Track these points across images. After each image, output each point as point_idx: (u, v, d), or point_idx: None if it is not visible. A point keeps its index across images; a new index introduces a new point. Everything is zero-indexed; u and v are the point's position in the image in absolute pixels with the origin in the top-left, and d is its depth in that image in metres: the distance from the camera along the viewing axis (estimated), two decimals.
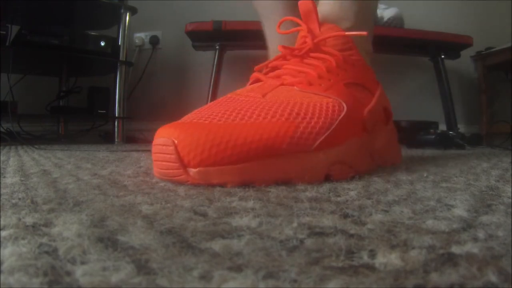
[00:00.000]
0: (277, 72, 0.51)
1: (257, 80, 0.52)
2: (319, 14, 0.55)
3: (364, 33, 0.52)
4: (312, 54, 0.52)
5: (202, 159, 0.36)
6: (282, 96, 0.45)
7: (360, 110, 0.50)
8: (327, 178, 0.41)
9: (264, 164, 0.38)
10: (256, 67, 0.54)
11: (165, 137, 0.38)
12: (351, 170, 0.44)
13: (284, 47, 0.53)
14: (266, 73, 0.52)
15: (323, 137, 0.41)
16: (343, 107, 0.45)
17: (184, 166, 0.37)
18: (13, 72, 1.66)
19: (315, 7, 0.54)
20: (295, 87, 0.47)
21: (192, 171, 0.37)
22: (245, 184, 0.37)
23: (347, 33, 0.53)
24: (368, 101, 0.53)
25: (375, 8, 0.64)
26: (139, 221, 0.23)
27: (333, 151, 0.42)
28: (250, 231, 0.21)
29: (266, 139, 0.38)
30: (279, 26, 0.55)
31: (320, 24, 0.54)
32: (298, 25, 0.55)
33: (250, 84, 0.52)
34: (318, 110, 0.43)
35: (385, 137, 0.58)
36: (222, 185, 0.37)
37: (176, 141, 0.37)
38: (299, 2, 0.54)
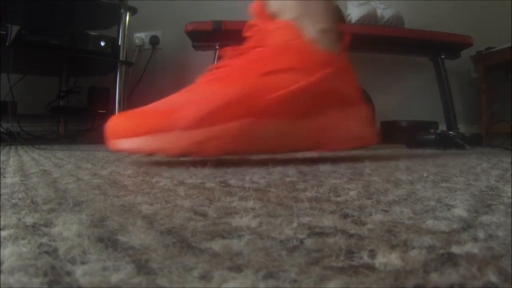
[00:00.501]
0: (213, 71, 0.61)
1: None
2: (270, 13, 0.63)
3: (292, 22, 0.61)
4: (252, 50, 0.60)
5: (125, 133, 0.53)
6: (195, 91, 0.57)
7: (265, 96, 0.56)
8: (188, 155, 0.53)
9: (148, 138, 0.51)
10: (208, 68, 0.63)
11: (111, 119, 0.56)
12: (227, 147, 0.54)
13: (230, 48, 0.62)
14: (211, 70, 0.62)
15: (191, 121, 0.52)
16: (225, 96, 0.54)
17: (116, 137, 0.54)
18: (13, 72, 1.66)
19: (262, 6, 0.62)
20: (211, 82, 0.58)
21: (121, 141, 0.53)
22: (140, 151, 0.53)
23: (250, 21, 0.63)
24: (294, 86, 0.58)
25: None
26: (139, 221, 0.23)
27: (206, 130, 0.52)
28: (250, 231, 0.21)
29: (154, 123, 0.52)
30: (247, 29, 0.64)
31: (271, 21, 0.62)
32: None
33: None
34: (199, 99, 0.54)
35: (332, 120, 0.61)
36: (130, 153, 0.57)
37: (115, 119, 0.56)
38: (250, 6, 0.63)
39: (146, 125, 0.52)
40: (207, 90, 0.56)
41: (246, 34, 0.63)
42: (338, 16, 1.68)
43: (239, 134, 0.53)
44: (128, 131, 0.52)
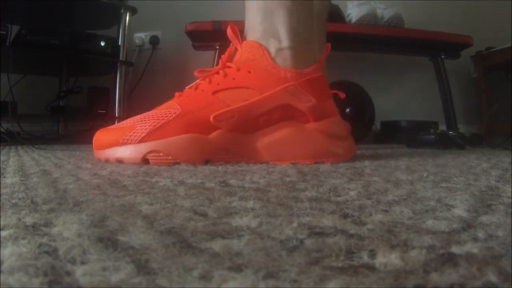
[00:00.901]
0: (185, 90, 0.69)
1: None
2: (245, 31, 0.70)
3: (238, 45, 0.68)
4: (218, 71, 0.67)
5: (100, 146, 0.64)
6: (158, 109, 0.65)
7: (212, 112, 0.62)
8: (145, 162, 0.60)
9: (114, 149, 0.62)
10: (187, 87, 0.69)
11: (94, 135, 0.66)
12: (167, 158, 0.60)
13: (201, 70, 0.69)
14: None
15: (144, 134, 0.61)
16: (175, 113, 0.62)
17: (94, 148, 0.66)
18: (13, 72, 1.66)
19: (235, 31, 0.69)
20: (172, 101, 0.66)
21: (98, 152, 0.65)
22: (109, 159, 0.63)
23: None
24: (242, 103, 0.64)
25: (295, 9, 0.69)
26: (139, 221, 0.23)
27: (152, 143, 0.60)
28: (250, 231, 0.21)
29: (115, 139, 0.62)
30: (228, 56, 0.69)
31: (242, 41, 0.69)
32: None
33: None
34: (153, 116, 0.63)
35: (288, 133, 0.65)
36: (106, 160, 0.63)
37: (96, 135, 0.66)
38: (227, 30, 0.69)
39: (112, 139, 0.63)
40: (162, 109, 0.64)
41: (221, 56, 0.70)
42: (339, 17, 1.68)
43: (184, 145, 0.61)
44: (102, 144, 0.64)
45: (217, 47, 1.72)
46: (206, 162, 0.61)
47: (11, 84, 1.53)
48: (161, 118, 0.62)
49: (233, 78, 0.65)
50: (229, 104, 0.63)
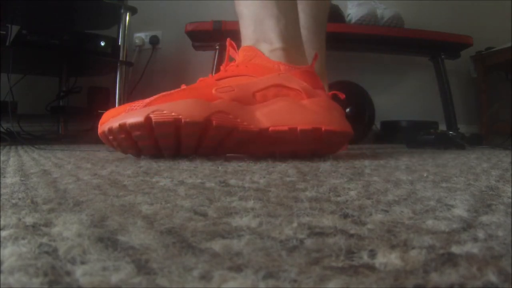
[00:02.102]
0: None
1: None
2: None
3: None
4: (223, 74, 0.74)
5: (105, 119, 0.67)
6: (162, 94, 0.68)
7: (212, 87, 0.68)
8: (148, 120, 0.61)
9: (118, 117, 0.64)
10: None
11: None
12: (171, 114, 0.61)
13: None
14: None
15: (149, 100, 0.64)
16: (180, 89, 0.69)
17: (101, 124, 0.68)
18: (13, 72, 1.66)
19: (231, 43, 0.79)
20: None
21: (101, 126, 0.68)
22: (115, 124, 0.64)
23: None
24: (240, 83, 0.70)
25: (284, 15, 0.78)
26: (139, 221, 0.23)
27: (156, 106, 0.62)
28: (250, 231, 0.21)
29: (121, 110, 0.66)
30: (227, 60, 0.78)
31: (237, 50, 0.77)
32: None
33: None
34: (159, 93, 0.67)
35: (284, 105, 0.68)
36: (109, 130, 0.65)
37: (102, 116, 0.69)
38: (227, 43, 0.79)
39: (118, 111, 0.66)
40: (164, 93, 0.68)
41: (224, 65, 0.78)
42: (339, 17, 1.70)
43: (187, 104, 0.63)
44: (108, 116, 0.67)
45: (217, 47, 1.72)
46: (207, 119, 0.63)
47: (11, 84, 1.53)
48: (167, 92, 0.67)
49: (233, 70, 0.73)
50: (225, 84, 0.69)
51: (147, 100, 0.65)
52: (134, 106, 0.64)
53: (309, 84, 0.72)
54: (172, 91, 0.68)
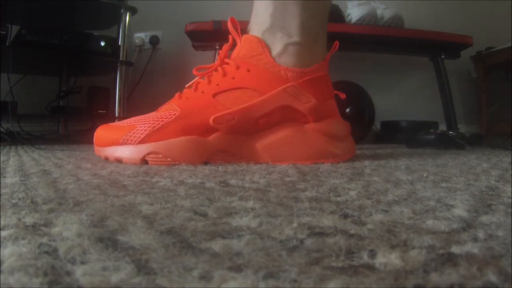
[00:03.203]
0: (184, 90, 0.68)
1: None
2: (250, 23, 0.68)
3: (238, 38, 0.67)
4: (217, 67, 0.66)
5: (100, 143, 0.65)
6: (159, 110, 0.66)
7: (212, 115, 0.62)
8: (144, 163, 0.61)
9: (114, 148, 0.63)
10: (186, 85, 0.69)
11: (97, 130, 0.67)
12: (167, 160, 0.60)
13: (200, 67, 0.68)
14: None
15: (144, 135, 0.61)
16: (174, 115, 0.63)
17: (98, 146, 0.66)
18: (13, 72, 1.66)
19: (235, 23, 0.67)
20: (171, 102, 0.66)
21: (100, 149, 0.65)
22: (109, 158, 0.64)
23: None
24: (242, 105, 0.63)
25: (307, 4, 0.67)
26: (139, 221, 0.23)
27: (150, 145, 0.61)
28: (250, 231, 0.21)
29: (115, 138, 0.63)
30: (225, 52, 0.68)
31: (241, 35, 0.67)
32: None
33: None
34: (153, 118, 0.63)
35: (288, 134, 0.65)
36: (106, 158, 0.65)
37: (97, 132, 0.66)
38: (227, 23, 0.67)
39: (113, 138, 0.63)
40: (162, 111, 0.65)
41: (222, 50, 0.68)
42: (339, 17, 1.67)
43: (183, 147, 0.61)
44: (103, 141, 0.65)
45: (217, 47, 1.72)
46: (206, 163, 0.61)
47: (11, 84, 1.53)
48: (160, 120, 0.62)
49: (233, 78, 0.64)
50: (229, 107, 0.62)
51: (140, 130, 0.62)
52: (129, 137, 0.62)
53: (318, 95, 0.64)
54: (164, 117, 0.63)
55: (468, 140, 1.42)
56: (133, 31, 2.01)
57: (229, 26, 0.67)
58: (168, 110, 0.64)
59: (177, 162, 0.60)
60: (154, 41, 2.10)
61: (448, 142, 1.22)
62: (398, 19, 1.79)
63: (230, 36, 0.68)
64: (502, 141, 1.67)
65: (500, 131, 1.93)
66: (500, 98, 2.12)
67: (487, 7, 2.17)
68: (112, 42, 1.68)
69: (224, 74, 0.65)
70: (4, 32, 1.45)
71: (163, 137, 0.61)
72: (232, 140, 0.63)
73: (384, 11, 1.80)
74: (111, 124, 0.68)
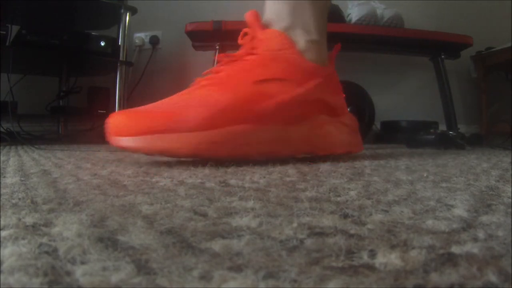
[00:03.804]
0: (209, 75, 0.63)
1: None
2: (263, 21, 0.66)
3: (275, 30, 0.64)
4: (245, 57, 0.63)
5: (128, 132, 0.53)
6: (194, 93, 0.59)
7: (260, 103, 0.59)
8: (197, 155, 0.55)
9: (155, 137, 0.53)
10: (203, 72, 0.65)
11: (112, 116, 0.56)
12: (221, 150, 0.56)
13: (225, 54, 0.65)
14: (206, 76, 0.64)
15: (196, 122, 0.54)
16: (225, 101, 0.57)
17: (119, 135, 0.54)
18: (13, 72, 1.66)
19: (257, 16, 0.65)
20: (208, 87, 0.60)
21: (123, 139, 0.54)
22: (146, 150, 0.54)
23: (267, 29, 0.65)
24: (287, 94, 0.61)
25: (318, 3, 0.70)
26: (139, 221, 0.23)
27: (206, 133, 0.54)
28: (250, 231, 0.21)
29: (157, 120, 0.54)
30: (241, 37, 0.66)
31: (263, 30, 0.65)
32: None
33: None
34: (204, 102, 0.56)
35: (323, 128, 0.66)
36: (134, 151, 0.56)
37: (116, 119, 0.55)
38: (245, 15, 0.65)
39: (152, 125, 0.53)
40: (205, 95, 0.58)
41: (240, 41, 0.66)
42: (339, 17, 1.69)
43: (237, 138, 0.56)
44: (132, 129, 0.53)
45: (217, 47, 1.72)
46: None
47: (11, 84, 1.53)
48: (211, 106, 0.56)
49: (267, 67, 0.62)
50: (272, 95, 0.60)
51: (191, 116, 0.55)
52: (176, 124, 0.54)
53: (335, 90, 0.69)
54: (213, 102, 0.56)
55: (468, 140, 1.42)
56: (133, 31, 2.01)
57: (250, 18, 0.65)
58: (211, 95, 0.58)
59: (233, 156, 0.56)
60: (154, 41, 2.10)
61: (448, 142, 1.22)
62: (398, 19, 1.80)
63: (249, 30, 0.66)
64: (502, 141, 1.67)
65: (500, 131, 1.93)
66: (500, 98, 2.12)
67: (487, 7, 2.17)
68: (112, 42, 1.68)
69: (260, 64, 0.62)
70: (4, 32, 1.46)
71: (219, 125, 0.56)
72: (279, 130, 0.61)
73: (384, 11, 1.80)
74: (131, 110, 0.58)
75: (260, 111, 0.58)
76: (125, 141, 0.54)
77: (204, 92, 0.59)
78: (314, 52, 0.66)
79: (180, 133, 0.53)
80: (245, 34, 0.67)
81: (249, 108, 0.58)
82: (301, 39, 0.65)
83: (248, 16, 0.65)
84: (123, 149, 0.56)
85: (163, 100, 0.59)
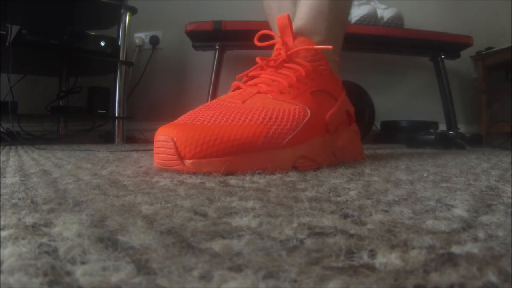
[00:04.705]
0: (254, 81, 0.60)
1: (238, 88, 0.61)
2: (294, 28, 0.65)
3: (330, 46, 0.62)
4: (285, 65, 0.61)
5: (196, 153, 0.46)
6: (258, 103, 0.55)
7: (323, 114, 0.59)
8: (294, 169, 0.51)
9: (243, 157, 0.48)
10: (237, 76, 0.63)
11: (165, 135, 0.48)
12: (314, 163, 0.55)
13: (261, 58, 0.62)
14: (245, 82, 0.61)
15: (290, 137, 0.51)
16: (307, 113, 0.56)
17: (181, 158, 0.47)
18: (13, 72, 1.66)
19: (290, 22, 0.62)
20: (269, 95, 0.57)
21: (187, 162, 0.46)
22: (228, 173, 0.47)
23: (316, 46, 0.62)
24: (331, 106, 0.63)
25: (344, 22, 0.74)
26: (139, 221, 0.23)
27: (298, 148, 0.52)
28: (250, 231, 0.21)
29: (245, 138, 0.48)
30: (257, 39, 0.63)
31: (294, 37, 0.63)
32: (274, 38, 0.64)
33: (232, 91, 0.61)
34: (287, 115, 0.53)
35: (347, 137, 0.68)
36: (210, 173, 0.46)
37: (175, 138, 0.47)
38: (277, 18, 0.62)
39: (231, 143, 0.47)
40: (277, 104, 0.55)
41: (257, 43, 0.64)
42: None
43: (322, 149, 0.58)
44: (208, 150, 0.47)
45: (217, 47, 1.72)
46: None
47: (11, 84, 1.53)
48: (297, 120, 0.54)
49: (313, 79, 0.61)
50: (325, 107, 0.61)
51: (281, 132, 0.51)
52: (268, 139, 0.50)
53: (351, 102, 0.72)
54: (297, 117, 0.54)
55: (468, 140, 1.42)
56: (133, 31, 2.01)
57: (283, 23, 0.62)
58: (296, 107, 0.56)
59: (320, 165, 0.55)
60: (154, 41, 2.10)
61: (448, 142, 1.22)
62: (398, 19, 1.80)
63: (277, 35, 0.64)
64: (502, 141, 1.67)
65: (500, 131, 1.93)
66: (500, 98, 2.12)
67: (487, 7, 2.17)
68: (112, 42, 1.68)
69: (308, 75, 0.61)
70: (4, 32, 1.46)
71: (305, 139, 0.54)
72: (333, 139, 0.63)
73: (384, 11, 1.80)
74: (191, 124, 0.49)
75: (324, 122, 0.60)
76: (203, 165, 0.47)
77: (271, 102, 0.55)
78: (335, 68, 0.70)
79: (267, 151, 0.49)
80: (268, 36, 0.65)
81: (320, 119, 0.58)
82: (330, 58, 0.66)
83: (280, 20, 0.62)
84: (205, 172, 0.47)
85: (206, 112, 0.52)
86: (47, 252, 0.17)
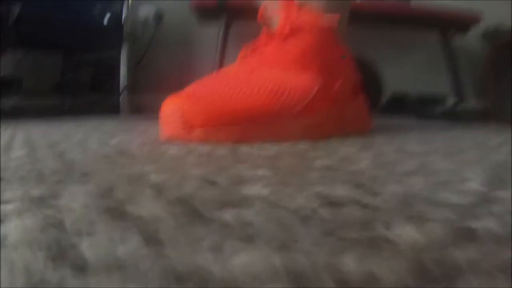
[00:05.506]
0: (261, 51, 0.59)
1: (245, 56, 0.60)
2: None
3: (336, 16, 0.61)
4: (292, 36, 0.59)
5: (205, 121, 0.46)
6: (266, 73, 0.54)
7: (331, 85, 0.58)
8: (303, 138, 0.49)
9: (253, 127, 0.47)
10: (244, 46, 0.62)
11: (174, 104, 0.48)
12: (323, 133, 0.54)
13: (267, 29, 0.61)
14: (252, 52, 0.60)
15: (299, 107, 0.51)
16: (316, 83, 0.55)
17: (190, 127, 0.46)
18: (17, 48, 1.65)
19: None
20: (276, 66, 0.56)
21: (197, 130, 0.46)
22: (237, 142, 0.45)
23: (322, 16, 0.60)
24: (339, 77, 0.60)
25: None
26: (147, 191, 0.22)
27: (308, 118, 0.52)
28: (261, 199, 0.20)
29: (255, 108, 0.48)
30: (261, 13, 0.62)
31: (299, 8, 0.61)
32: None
33: (239, 60, 0.60)
34: (295, 86, 0.53)
35: (356, 107, 0.66)
36: (219, 142, 0.45)
37: (184, 107, 0.47)
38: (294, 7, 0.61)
39: (242, 113, 0.47)
40: (290, 77, 0.54)
41: (260, 18, 0.63)
42: None
43: (331, 118, 0.57)
44: (217, 119, 0.46)
45: (223, 22, 1.71)
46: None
47: (15, 60, 1.53)
48: (306, 90, 0.54)
49: (320, 50, 0.61)
50: (334, 77, 0.60)
51: (292, 102, 0.52)
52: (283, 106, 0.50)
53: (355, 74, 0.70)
54: (308, 88, 0.54)
55: (476, 115, 1.40)
56: (138, 6, 1.99)
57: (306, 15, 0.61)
58: (305, 77, 0.56)
59: (330, 135, 0.55)
60: (158, 16, 2.08)
61: (456, 116, 1.21)
62: None
63: (282, 7, 0.62)
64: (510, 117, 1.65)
65: (509, 106, 1.91)
66: (509, 74, 2.09)
67: None
68: (117, 17, 1.67)
69: (316, 45, 0.60)
70: (6, 11, 1.44)
71: (314, 109, 0.54)
72: (335, 110, 0.61)
73: None
74: (197, 96, 0.50)
75: (332, 93, 0.58)
76: (213, 133, 0.46)
77: (280, 73, 0.55)
78: (342, 38, 0.67)
79: (278, 120, 0.49)
80: (268, 7, 0.63)
81: (327, 91, 0.57)
82: (335, 27, 0.64)
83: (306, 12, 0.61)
84: (212, 142, 0.46)
85: (220, 80, 0.53)
86: (52, 225, 0.17)
